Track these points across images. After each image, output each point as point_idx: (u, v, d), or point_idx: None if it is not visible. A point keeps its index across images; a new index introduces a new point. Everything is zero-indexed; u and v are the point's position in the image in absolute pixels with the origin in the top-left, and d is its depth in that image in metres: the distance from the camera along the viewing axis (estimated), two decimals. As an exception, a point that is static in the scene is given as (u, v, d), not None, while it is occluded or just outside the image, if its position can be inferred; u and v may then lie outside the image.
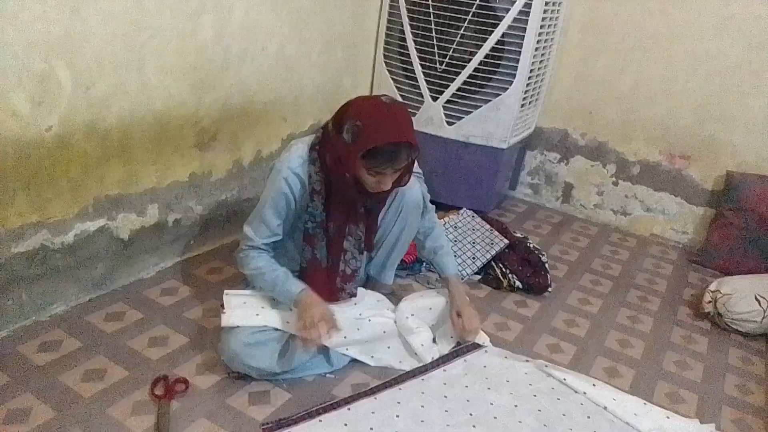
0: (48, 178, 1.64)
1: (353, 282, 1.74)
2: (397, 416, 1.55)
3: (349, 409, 1.55)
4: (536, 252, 2.39)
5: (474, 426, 1.55)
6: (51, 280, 1.75)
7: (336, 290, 1.71)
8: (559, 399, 1.69)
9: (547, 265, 2.35)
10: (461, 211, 2.51)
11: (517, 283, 2.26)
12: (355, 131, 1.42)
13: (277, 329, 1.58)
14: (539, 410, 1.63)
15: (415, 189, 1.73)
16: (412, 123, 1.50)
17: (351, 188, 1.54)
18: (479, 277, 2.32)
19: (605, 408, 1.67)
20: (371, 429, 1.49)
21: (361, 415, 1.53)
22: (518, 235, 2.53)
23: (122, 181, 1.86)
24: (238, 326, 1.55)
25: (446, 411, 1.59)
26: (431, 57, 2.63)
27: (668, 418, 1.67)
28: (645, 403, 1.72)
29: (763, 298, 2.12)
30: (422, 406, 1.59)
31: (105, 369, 1.59)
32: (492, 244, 2.35)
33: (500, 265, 2.30)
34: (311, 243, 1.65)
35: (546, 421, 1.60)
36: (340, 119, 1.48)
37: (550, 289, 2.29)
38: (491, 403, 1.64)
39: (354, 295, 1.77)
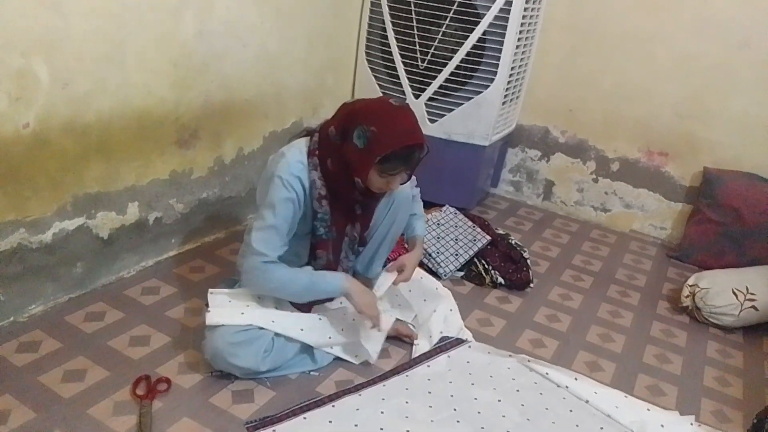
0: (25, 175, 1.62)
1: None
2: (382, 412, 1.55)
3: (333, 406, 1.55)
4: (518, 248, 2.41)
5: (458, 421, 1.56)
6: (29, 280, 1.72)
7: None
8: (541, 393, 1.71)
9: (528, 261, 2.37)
10: (444, 208, 2.52)
11: (500, 280, 2.27)
12: (369, 137, 1.40)
13: (261, 328, 1.57)
14: (522, 404, 1.65)
15: (408, 185, 1.73)
16: (418, 122, 1.49)
17: (353, 192, 1.53)
18: (462, 273, 2.33)
19: (587, 401, 1.69)
20: (356, 426, 1.49)
21: (346, 412, 1.53)
22: (500, 231, 2.54)
23: (102, 178, 1.84)
24: (222, 325, 1.54)
25: (430, 406, 1.60)
26: (413, 54, 2.63)
27: (648, 410, 1.69)
28: (626, 396, 1.74)
29: (741, 291, 2.16)
30: (407, 402, 1.60)
31: (85, 369, 1.57)
32: (474, 240, 2.36)
33: (483, 261, 2.31)
34: (325, 248, 1.63)
35: (529, 415, 1.61)
36: (345, 124, 1.46)
37: (532, 285, 2.31)
38: (475, 398, 1.65)
39: None
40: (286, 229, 1.53)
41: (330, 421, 1.50)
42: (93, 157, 1.78)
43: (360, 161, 1.44)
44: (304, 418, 1.50)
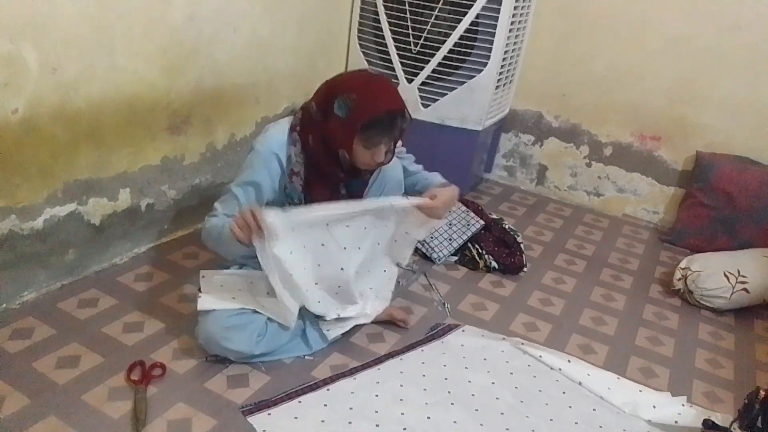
0: (15, 162, 1.60)
1: None
2: (377, 395, 1.56)
3: (328, 389, 1.56)
4: (512, 233, 2.42)
5: (452, 404, 1.57)
6: (21, 267, 1.71)
7: None
8: (535, 376, 1.72)
9: (522, 245, 2.38)
10: (437, 194, 2.52)
11: (493, 264, 2.28)
12: (350, 105, 1.40)
13: (255, 311, 1.57)
14: (516, 387, 1.66)
15: (396, 166, 1.72)
16: (398, 90, 1.50)
17: (336, 169, 1.52)
18: (456, 258, 2.33)
19: (580, 383, 1.70)
20: (351, 409, 1.50)
21: (341, 395, 1.54)
22: (494, 216, 2.55)
23: (93, 165, 1.82)
24: (214, 309, 1.54)
25: (425, 390, 1.61)
26: (406, 39, 2.62)
27: (641, 391, 1.71)
28: (618, 378, 1.75)
29: (732, 274, 2.18)
30: (401, 386, 1.61)
31: (79, 355, 1.57)
32: (468, 225, 2.36)
33: (476, 246, 2.31)
34: None
35: (523, 397, 1.62)
36: (325, 98, 1.46)
37: (525, 269, 2.32)
38: (469, 381, 1.66)
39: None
40: (247, 199, 1.54)
41: (325, 405, 1.50)
42: (83, 143, 1.77)
43: (344, 132, 1.43)
44: (299, 401, 1.50)
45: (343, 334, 1.75)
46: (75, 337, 1.63)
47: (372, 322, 1.84)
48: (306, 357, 1.68)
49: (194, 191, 2.24)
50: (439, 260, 2.29)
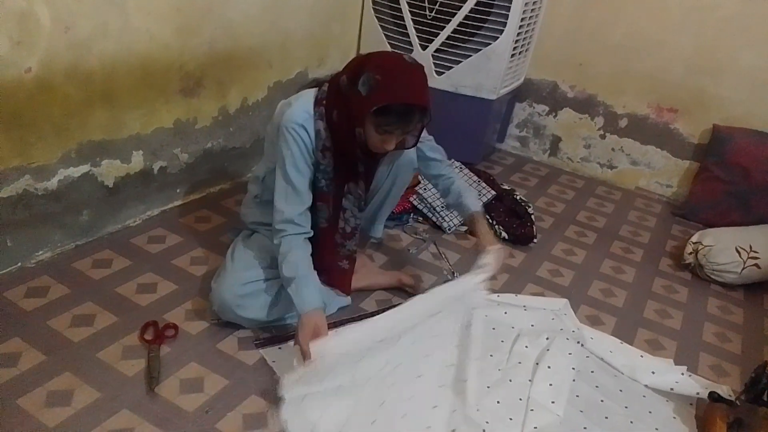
0: (30, 121, 1.60)
1: (353, 240, 1.71)
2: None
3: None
4: (523, 204, 2.41)
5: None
6: (36, 226, 1.73)
7: (336, 246, 1.69)
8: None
9: (533, 216, 2.37)
10: (449, 163, 2.50)
11: (504, 234, 2.28)
12: (372, 84, 1.36)
13: (268, 279, 1.58)
14: (526, 347, 1.68)
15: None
16: (428, 87, 1.44)
17: (355, 146, 1.49)
18: (466, 228, 2.33)
19: (582, 345, 1.74)
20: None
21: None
22: (505, 187, 2.53)
23: (106, 126, 1.82)
24: (228, 277, 1.56)
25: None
26: (421, 4, 2.57)
27: (642, 356, 1.73)
28: (621, 343, 1.78)
29: (744, 249, 2.17)
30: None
31: (94, 314, 1.59)
32: (479, 195, 2.35)
33: (487, 216, 2.31)
34: (325, 200, 1.60)
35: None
36: (356, 71, 1.41)
37: (535, 240, 2.31)
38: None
39: (353, 252, 1.73)
40: (302, 181, 1.51)
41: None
42: (97, 103, 1.77)
43: (359, 108, 1.40)
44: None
45: (353, 300, 1.78)
46: (89, 297, 1.66)
47: (381, 289, 1.85)
48: (316, 322, 1.69)
49: (207, 155, 2.24)
50: (449, 229, 2.29)
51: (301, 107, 1.49)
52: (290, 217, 1.49)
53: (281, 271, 1.47)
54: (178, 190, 2.18)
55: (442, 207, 2.30)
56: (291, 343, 1.57)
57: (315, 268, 1.52)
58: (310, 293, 1.44)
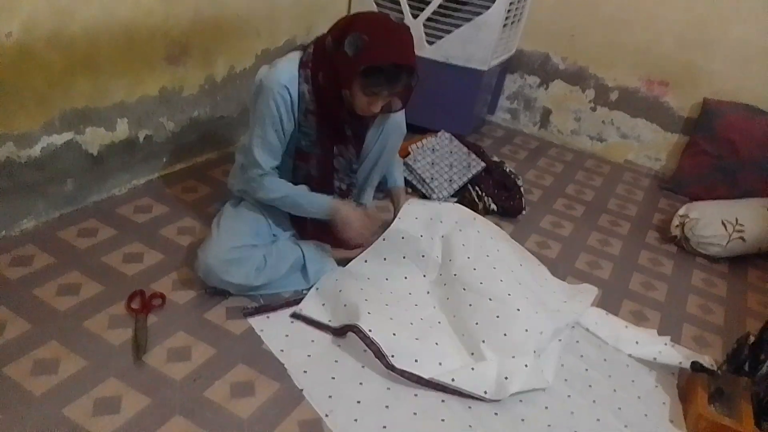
0: (11, 88, 1.57)
1: (350, 197, 1.75)
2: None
3: (323, 305, 1.66)
4: (512, 176, 2.41)
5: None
6: (20, 195, 1.71)
7: None
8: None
9: (522, 189, 2.37)
10: (439, 134, 2.49)
11: (492, 206, 2.28)
12: (359, 45, 1.35)
13: (254, 245, 1.58)
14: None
15: (399, 112, 1.69)
16: (414, 48, 1.44)
17: (342, 109, 1.49)
18: (455, 199, 2.33)
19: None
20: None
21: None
22: (495, 159, 2.53)
23: (90, 94, 1.79)
24: (214, 244, 1.56)
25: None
26: (412, -29, 2.52)
27: (626, 327, 1.75)
28: (606, 314, 1.81)
29: (730, 223, 2.19)
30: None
31: (80, 284, 1.58)
32: (469, 167, 2.35)
33: (476, 188, 2.31)
34: (305, 160, 1.62)
35: None
36: (341, 32, 1.40)
37: (524, 213, 2.32)
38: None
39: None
40: (277, 143, 1.54)
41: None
42: (80, 71, 1.73)
43: (346, 69, 1.39)
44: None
45: (339, 265, 1.78)
46: (75, 266, 1.64)
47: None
48: (303, 291, 1.69)
49: (193, 124, 2.21)
50: (439, 202, 2.28)
51: (287, 68, 1.49)
52: (265, 167, 1.56)
53: (277, 202, 1.59)
54: (164, 160, 2.16)
55: (432, 178, 2.29)
56: (280, 312, 1.60)
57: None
58: (319, 195, 1.61)
